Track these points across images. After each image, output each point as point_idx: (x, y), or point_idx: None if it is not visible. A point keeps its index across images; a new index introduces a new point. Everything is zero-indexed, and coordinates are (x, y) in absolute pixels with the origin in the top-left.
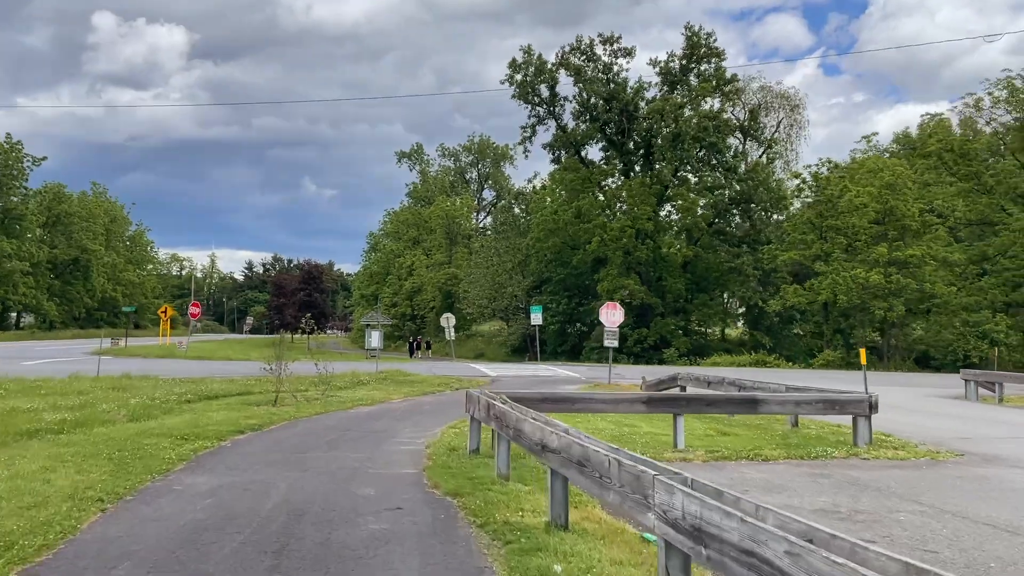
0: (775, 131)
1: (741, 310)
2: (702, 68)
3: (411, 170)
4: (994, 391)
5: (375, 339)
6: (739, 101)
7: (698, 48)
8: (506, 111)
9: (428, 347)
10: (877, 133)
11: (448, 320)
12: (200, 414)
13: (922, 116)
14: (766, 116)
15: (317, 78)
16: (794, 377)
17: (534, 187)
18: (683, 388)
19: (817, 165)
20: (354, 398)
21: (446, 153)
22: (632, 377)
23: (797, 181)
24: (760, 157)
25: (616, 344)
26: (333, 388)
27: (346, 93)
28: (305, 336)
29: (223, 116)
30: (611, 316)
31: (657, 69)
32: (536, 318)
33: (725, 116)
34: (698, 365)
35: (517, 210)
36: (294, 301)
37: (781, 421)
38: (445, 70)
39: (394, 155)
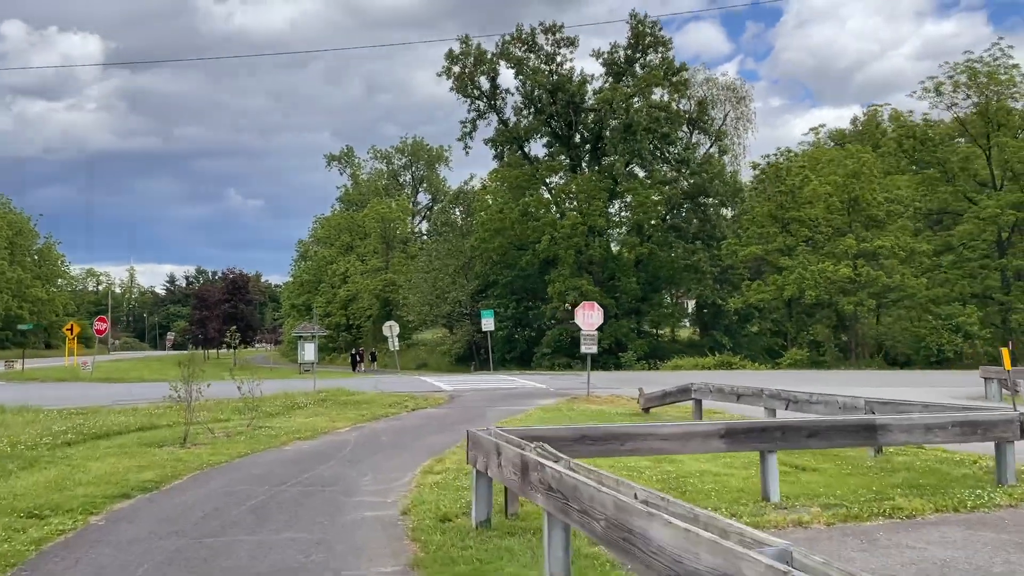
0: (722, 124)
1: (691, 309)
2: (648, 59)
3: (341, 173)
4: (1020, 389)
5: (309, 352)
6: (686, 93)
7: (643, 37)
8: (438, 117)
9: (374, 359)
10: (824, 125)
11: (391, 329)
12: (76, 466)
13: (867, 107)
14: (712, 109)
15: (240, 86)
16: (785, 380)
17: (474, 187)
18: (772, 412)
19: (776, 154)
20: (289, 429)
21: (378, 155)
22: (603, 386)
23: (755, 172)
24: (711, 150)
25: (595, 350)
26: (262, 415)
27: (271, 101)
28: (231, 351)
29: (143, 126)
30: (588, 318)
31: (601, 60)
32: (487, 323)
33: (675, 107)
34: (657, 369)
35: (458, 210)
36: (218, 314)
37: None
38: (373, 77)
39: (323, 159)
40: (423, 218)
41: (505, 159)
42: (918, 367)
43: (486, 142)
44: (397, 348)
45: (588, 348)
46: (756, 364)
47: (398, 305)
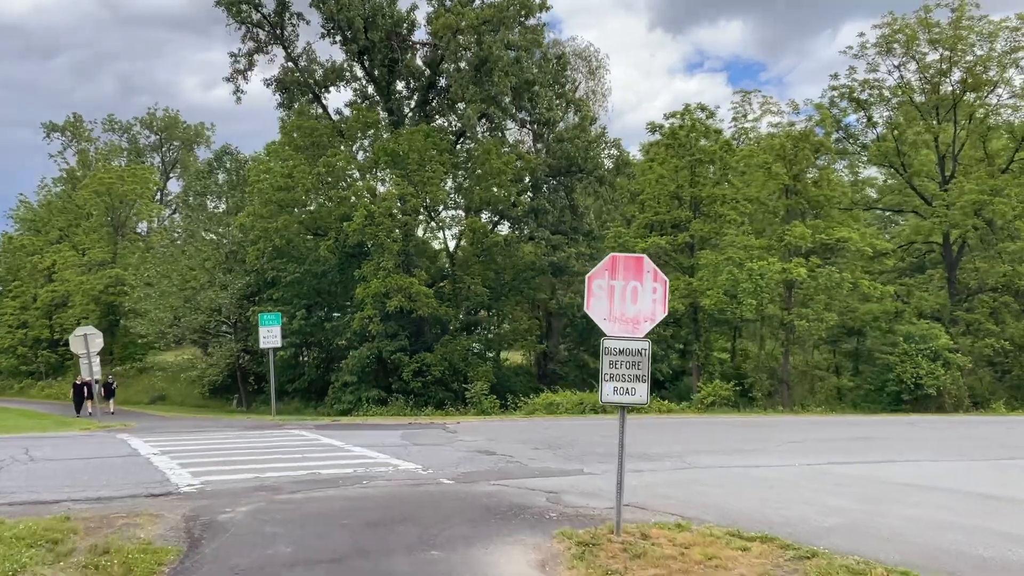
0: (574, 95)
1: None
2: None
3: (66, 149)
4: None
5: None
6: (542, 42)
7: None
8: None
9: (110, 393)
10: (720, 106)
11: (87, 341)
12: None
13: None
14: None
15: None
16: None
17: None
18: None
19: (682, 113)
20: None
21: (116, 128)
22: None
23: (652, 137)
24: (574, 118)
25: (643, 394)
26: None
27: (10, 92)
28: None
29: None
30: (633, 297)
31: None
32: (271, 335)
33: (537, 55)
34: (532, 411)
35: (222, 176)
36: None
37: None
38: (129, 77)
39: (41, 129)
40: (173, 210)
41: (296, 108)
42: (880, 408)
43: (267, 83)
44: (96, 375)
45: (624, 386)
46: (666, 403)
47: (127, 314)
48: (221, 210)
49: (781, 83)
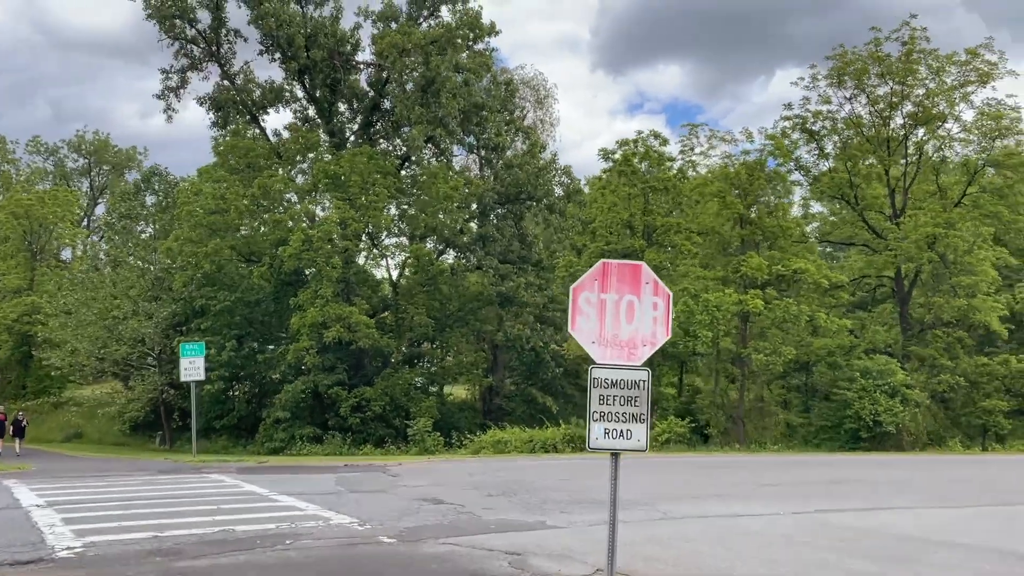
0: (522, 123)
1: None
2: (441, 14)
3: None
4: None
5: None
6: (490, 67)
7: None
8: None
9: (19, 433)
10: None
11: None
12: None
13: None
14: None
15: None
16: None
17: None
18: None
19: (635, 140)
20: None
21: (43, 150)
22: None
23: (605, 165)
24: (523, 146)
25: (643, 440)
26: None
27: None
28: None
29: None
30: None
31: (375, 15)
32: (193, 367)
33: (485, 81)
34: (478, 449)
35: (151, 199)
36: None
37: None
38: (63, 103)
39: None
40: (100, 237)
41: (231, 127)
42: (838, 446)
43: (200, 101)
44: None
45: (618, 428)
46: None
47: (42, 345)
48: (148, 234)
49: (718, 126)
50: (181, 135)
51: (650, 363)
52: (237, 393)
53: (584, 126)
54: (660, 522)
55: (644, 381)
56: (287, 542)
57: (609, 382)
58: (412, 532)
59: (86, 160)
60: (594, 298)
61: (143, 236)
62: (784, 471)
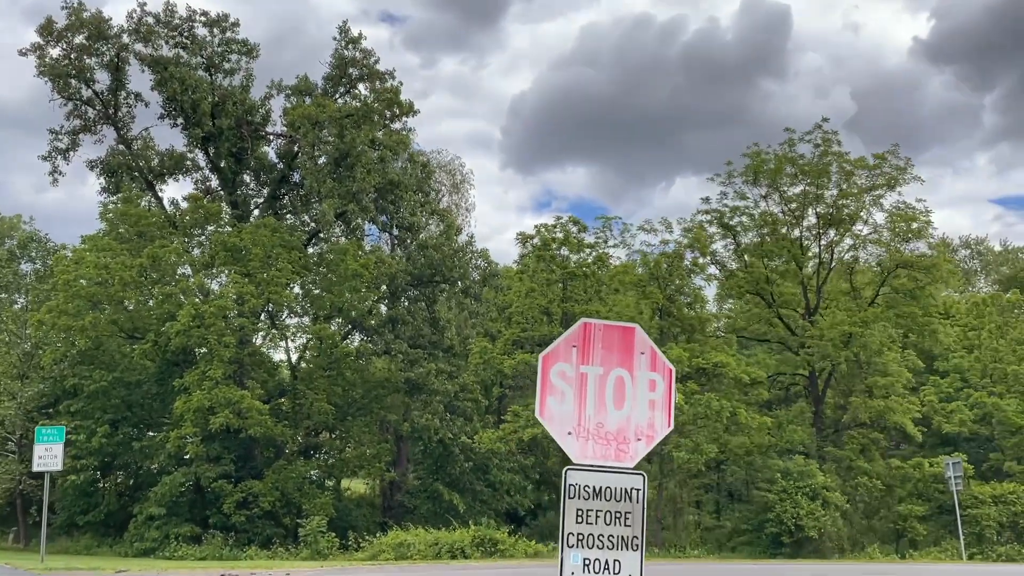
0: (438, 205)
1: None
2: (358, 90)
3: None
4: None
5: None
6: (409, 146)
7: (350, 65)
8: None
9: None
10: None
11: None
12: None
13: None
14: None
15: None
16: None
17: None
18: None
19: (553, 225)
20: None
21: None
22: None
23: (523, 250)
24: (437, 228)
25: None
26: None
27: None
28: None
29: None
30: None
31: (288, 90)
32: (49, 455)
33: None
34: (377, 552)
35: (27, 267)
36: None
37: None
38: None
39: None
40: None
41: (122, 194)
42: (760, 552)
43: (92, 165)
44: None
45: (602, 557)
46: (533, 544)
47: None
48: (19, 305)
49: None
50: (83, 210)
51: (566, 458)
52: (107, 485)
53: (494, 220)
54: None
55: (638, 491)
56: None
57: (590, 491)
58: None
59: None
60: (571, 371)
61: (14, 307)
62: None
